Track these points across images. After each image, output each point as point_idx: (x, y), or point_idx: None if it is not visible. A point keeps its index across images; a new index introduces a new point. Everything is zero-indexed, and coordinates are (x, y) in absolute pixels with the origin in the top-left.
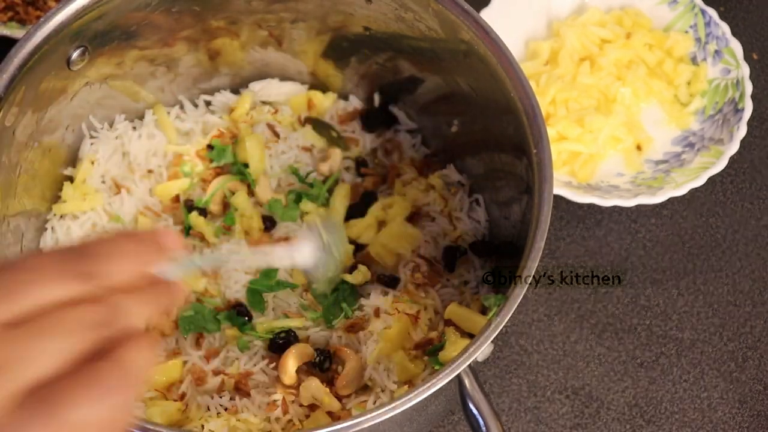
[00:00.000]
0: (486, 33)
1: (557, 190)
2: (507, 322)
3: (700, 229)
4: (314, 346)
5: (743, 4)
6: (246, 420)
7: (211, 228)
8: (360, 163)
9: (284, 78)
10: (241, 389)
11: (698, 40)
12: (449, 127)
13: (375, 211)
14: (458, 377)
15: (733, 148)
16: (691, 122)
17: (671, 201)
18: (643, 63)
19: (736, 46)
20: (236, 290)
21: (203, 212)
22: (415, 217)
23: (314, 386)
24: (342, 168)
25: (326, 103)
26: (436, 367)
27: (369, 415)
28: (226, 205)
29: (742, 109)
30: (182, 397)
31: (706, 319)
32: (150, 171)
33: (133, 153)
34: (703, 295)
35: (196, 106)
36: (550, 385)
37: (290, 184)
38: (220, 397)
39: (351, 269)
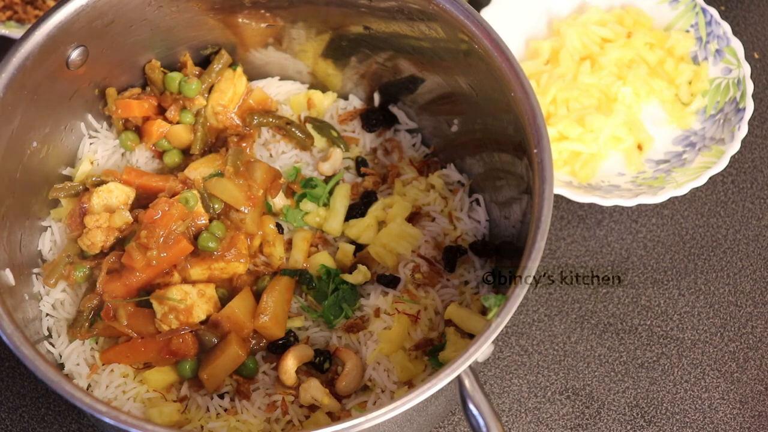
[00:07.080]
0: (486, 32)
1: (558, 189)
2: (507, 322)
3: (701, 228)
4: (314, 346)
5: (744, 3)
6: (246, 421)
7: None
8: (360, 163)
9: (284, 77)
10: (241, 390)
11: (699, 39)
12: (449, 127)
13: (375, 211)
14: (458, 378)
15: (735, 147)
16: (692, 122)
17: (672, 201)
18: (644, 62)
19: (737, 46)
20: None
21: None
22: (415, 217)
23: (314, 387)
24: (342, 168)
25: (326, 103)
26: (436, 368)
27: (369, 416)
28: None
29: (744, 109)
30: (182, 398)
31: (707, 319)
32: None
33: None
34: (704, 295)
35: None
36: (550, 385)
37: (291, 184)
38: (221, 398)
39: (351, 269)
